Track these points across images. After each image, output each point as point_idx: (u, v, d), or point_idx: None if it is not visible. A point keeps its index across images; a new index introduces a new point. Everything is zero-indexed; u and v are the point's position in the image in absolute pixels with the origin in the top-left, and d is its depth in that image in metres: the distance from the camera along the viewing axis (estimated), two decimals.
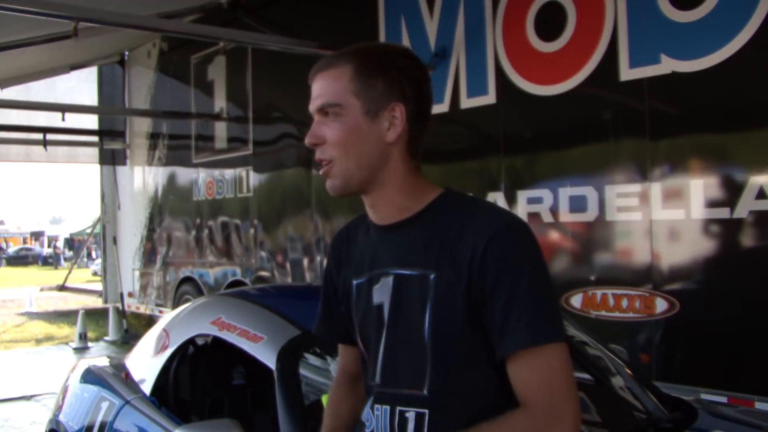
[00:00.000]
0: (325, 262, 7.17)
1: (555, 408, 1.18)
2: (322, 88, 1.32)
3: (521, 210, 4.68)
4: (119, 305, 10.40)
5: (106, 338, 10.17)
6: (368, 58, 1.32)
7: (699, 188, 3.82)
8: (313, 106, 1.34)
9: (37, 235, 49.49)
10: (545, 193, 4.58)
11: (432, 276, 1.27)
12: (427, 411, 1.28)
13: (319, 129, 1.32)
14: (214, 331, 2.72)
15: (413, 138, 1.34)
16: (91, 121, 11.22)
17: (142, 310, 9.82)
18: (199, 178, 8.45)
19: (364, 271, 1.40)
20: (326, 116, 1.32)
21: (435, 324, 1.27)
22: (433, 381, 1.28)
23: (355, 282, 1.42)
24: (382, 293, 1.35)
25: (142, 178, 9.90)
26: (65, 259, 37.43)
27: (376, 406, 1.35)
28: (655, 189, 4.00)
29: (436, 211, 1.33)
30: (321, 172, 1.35)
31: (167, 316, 3.36)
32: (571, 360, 1.24)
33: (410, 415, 1.29)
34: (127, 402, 2.88)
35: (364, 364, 1.43)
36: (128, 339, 9.72)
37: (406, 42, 5.46)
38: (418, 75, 1.34)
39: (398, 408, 1.31)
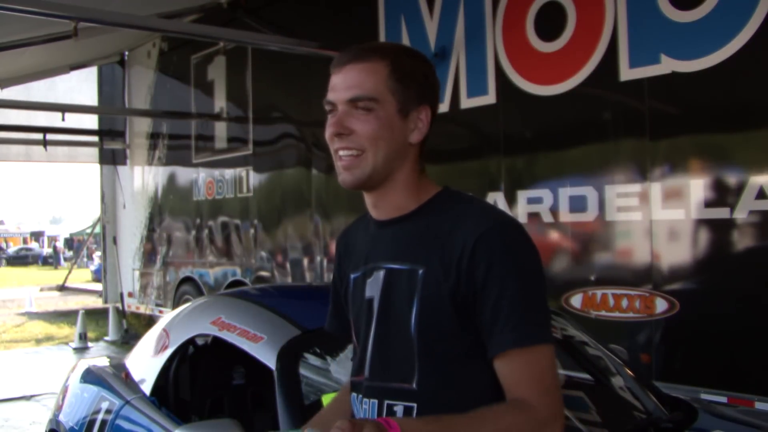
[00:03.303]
0: (324, 262, 7.14)
1: (550, 406, 1.20)
2: (355, 80, 1.30)
3: (521, 210, 4.68)
4: (119, 305, 10.40)
5: (106, 338, 10.17)
6: (402, 58, 1.34)
7: (699, 188, 3.82)
8: (341, 95, 1.31)
9: (37, 235, 49.46)
10: (545, 193, 4.58)
11: (421, 271, 1.29)
12: (415, 405, 1.29)
13: (347, 120, 1.30)
14: (214, 331, 2.72)
15: (426, 141, 1.37)
16: (91, 121, 11.22)
17: (142, 310, 9.82)
18: (199, 178, 8.45)
19: (360, 265, 1.42)
20: (355, 108, 1.30)
21: (421, 318, 1.28)
22: (422, 375, 1.28)
23: (352, 276, 1.45)
24: (373, 287, 1.37)
25: (142, 178, 9.90)
26: (65, 259, 37.41)
27: (365, 400, 1.36)
28: (655, 189, 4.00)
29: (431, 208, 1.35)
30: (342, 164, 1.32)
31: (167, 316, 3.35)
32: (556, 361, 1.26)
33: (398, 408, 1.30)
34: (127, 402, 2.88)
35: (355, 358, 1.45)
36: (128, 339, 9.72)
37: (405, 42, 5.46)
38: (436, 82, 1.39)
39: (386, 402, 1.32)
